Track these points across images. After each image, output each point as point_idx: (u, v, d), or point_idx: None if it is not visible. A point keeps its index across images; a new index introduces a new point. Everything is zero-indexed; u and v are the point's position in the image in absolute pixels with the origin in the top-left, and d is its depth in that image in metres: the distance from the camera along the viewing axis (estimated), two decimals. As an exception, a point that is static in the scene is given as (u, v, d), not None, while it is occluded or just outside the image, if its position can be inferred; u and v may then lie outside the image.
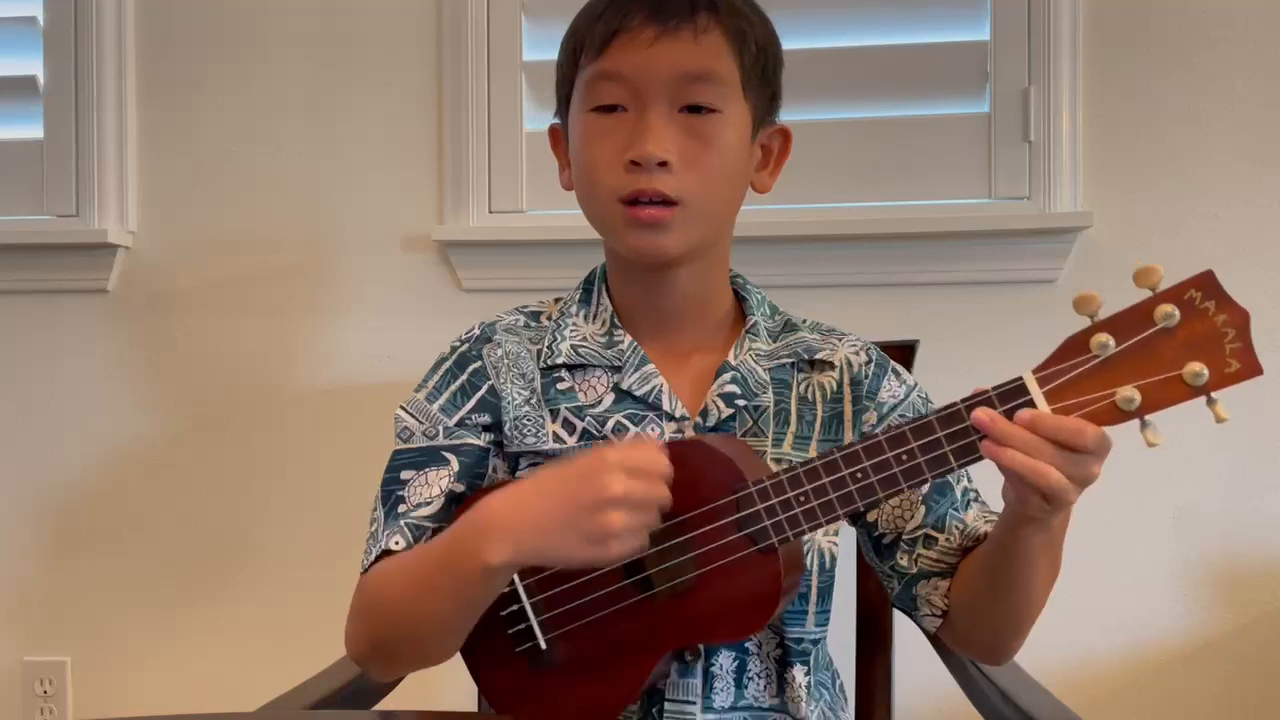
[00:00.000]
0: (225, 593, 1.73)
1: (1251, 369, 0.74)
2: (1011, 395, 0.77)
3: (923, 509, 0.95)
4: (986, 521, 0.95)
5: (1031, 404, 0.76)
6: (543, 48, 1.66)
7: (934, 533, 0.95)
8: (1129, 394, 0.75)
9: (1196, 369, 0.74)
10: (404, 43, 1.69)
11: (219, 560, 1.74)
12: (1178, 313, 0.74)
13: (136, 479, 1.75)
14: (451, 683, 1.53)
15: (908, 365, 1.23)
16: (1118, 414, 0.75)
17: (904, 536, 0.96)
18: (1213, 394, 0.75)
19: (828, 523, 0.83)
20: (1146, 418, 0.76)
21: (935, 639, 1.01)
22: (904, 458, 0.80)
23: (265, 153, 1.72)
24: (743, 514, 0.83)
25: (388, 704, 1.15)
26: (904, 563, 0.96)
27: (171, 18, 1.74)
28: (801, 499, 0.82)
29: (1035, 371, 0.77)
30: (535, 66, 1.66)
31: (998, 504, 0.85)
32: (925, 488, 0.95)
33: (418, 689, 1.22)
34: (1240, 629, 1.55)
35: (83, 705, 1.76)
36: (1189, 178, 1.55)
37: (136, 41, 1.75)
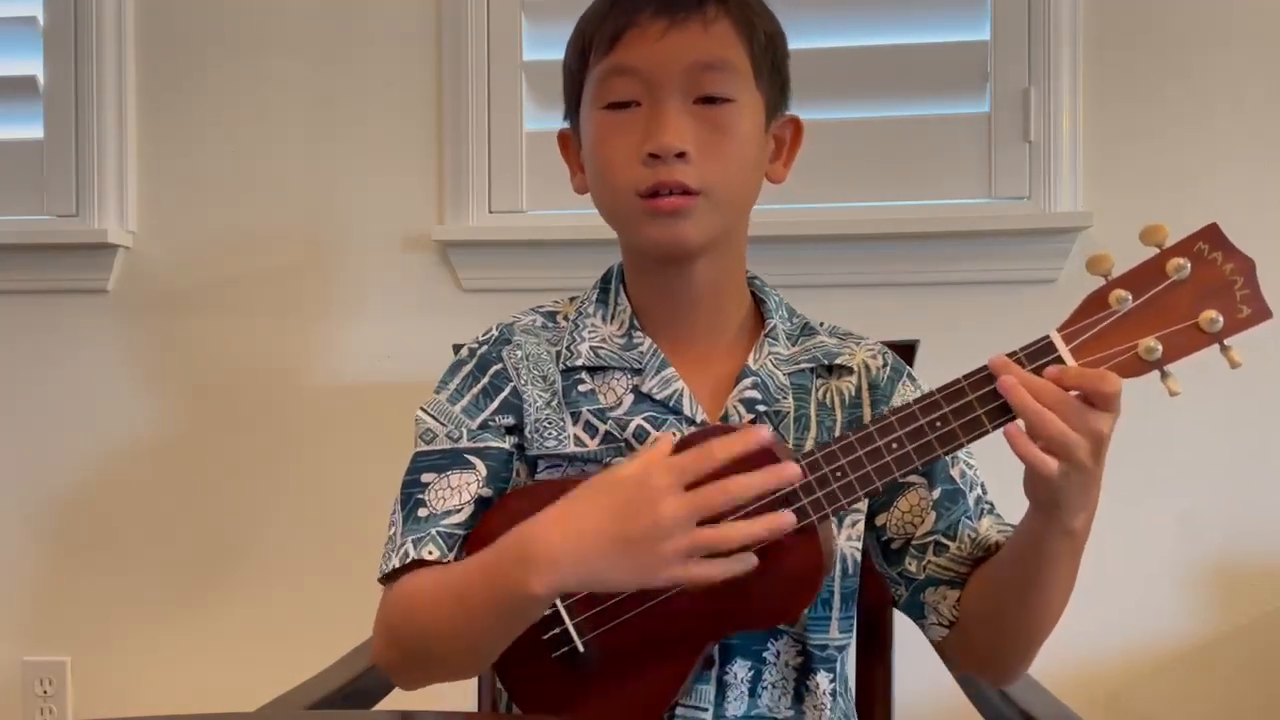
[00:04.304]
0: (225, 592, 1.73)
1: (1261, 313, 0.78)
2: (1040, 354, 0.79)
3: (933, 514, 0.94)
4: (1000, 532, 0.94)
5: (1060, 360, 0.78)
6: (543, 48, 1.66)
7: (945, 540, 0.93)
8: (1151, 344, 0.77)
9: (1211, 315, 0.77)
10: (404, 43, 1.69)
11: (219, 560, 1.74)
12: (1189, 265, 0.78)
13: (136, 479, 1.75)
14: (453, 682, 1.53)
15: (908, 364, 1.23)
16: (1141, 365, 0.78)
17: (914, 542, 0.95)
18: (1225, 341, 0.78)
19: (866, 496, 0.82)
20: (1167, 368, 0.78)
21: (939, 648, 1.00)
22: (938, 424, 0.80)
23: (265, 153, 1.72)
24: (780, 494, 0.82)
25: (388, 704, 1.15)
26: (912, 568, 0.94)
27: (171, 18, 1.74)
28: (838, 474, 0.81)
29: (1060, 329, 0.79)
30: (535, 66, 1.66)
31: (1007, 494, 0.85)
32: (936, 493, 0.94)
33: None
34: (1240, 629, 1.55)
35: (83, 705, 1.76)
36: (1189, 177, 1.55)
37: (136, 41, 1.75)
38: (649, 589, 0.76)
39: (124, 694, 1.74)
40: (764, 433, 0.78)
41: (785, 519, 0.77)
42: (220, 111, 1.73)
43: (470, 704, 1.31)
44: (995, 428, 0.79)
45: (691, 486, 0.76)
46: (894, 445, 0.81)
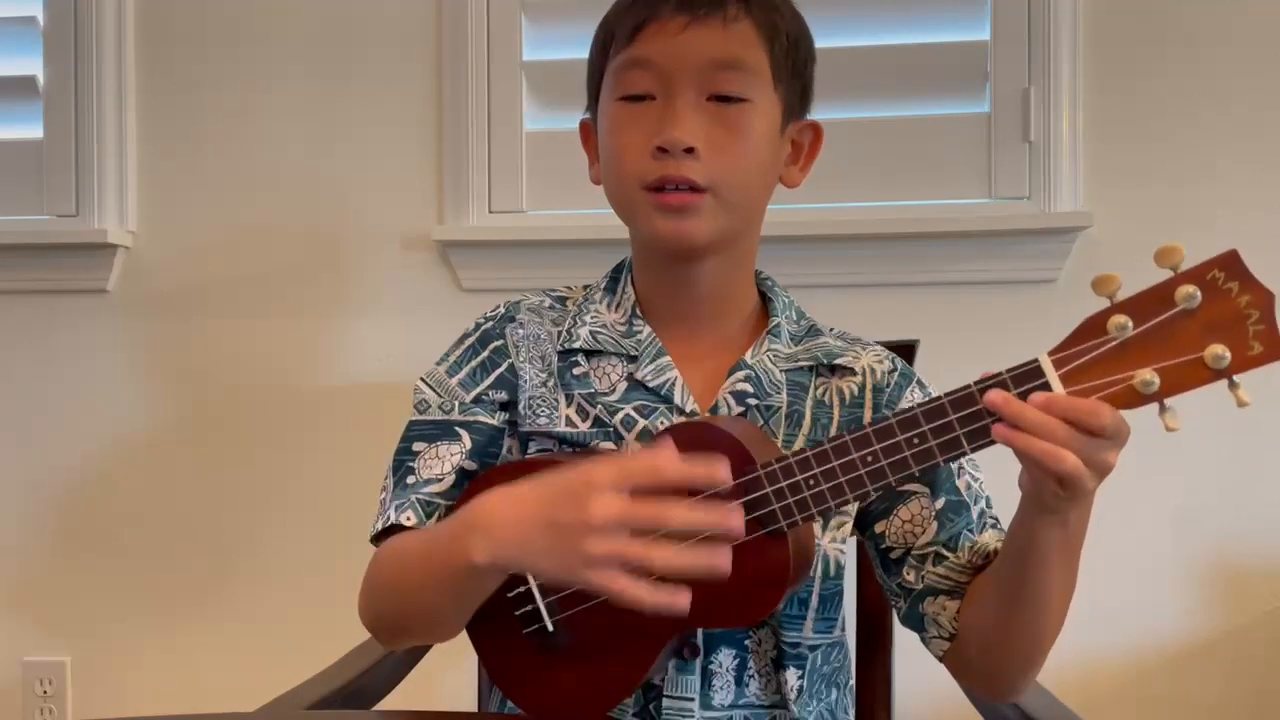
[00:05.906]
0: (224, 593, 1.73)
1: (1276, 351, 0.72)
2: (1026, 377, 0.75)
3: (935, 525, 0.93)
4: (999, 543, 0.93)
5: (1047, 386, 0.74)
6: (543, 48, 1.66)
7: (945, 550, 0.92)
8: (1147, 377, 0.72)
9: (1218, 351, 0.71)
10: (404, 43, 1.69)
11: (218, 560, 1.74)
12: (1199, 294, 0.71)
13: (136, 479, 1.75)
14: (452, 681, 1.54)
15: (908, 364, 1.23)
16: (1136, 397, 0.73)
17: (913, 552, 0.94)
18: (1234, 377, 0.73)
19: (838, 507, 0.82)
20: (1166, 401, 0.74)
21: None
22: (915, 441, 0.78)
23: (265, 153, 1.72)
24: (750, 497, 0.82)
25: (388, 704, 1.15)
26: (910, 578, 0.94)
27: (171, 18, 1.74)
28: (811, 483, 0.81)
29: (1051, 354, 0.75)
30: (535, 66, 1.66)
31: (1013, 503, 0.84)
32: (940, 503, 0.93)
33: (418, 688, 1.22)
34: (1240, 629, 1.56)
35: (83, 705, 1.76)
36: (1189, 177, 1.55)
37: (136, 41, 1.75)
38: (575, 584, 0.75)
39: (124, 694, 1.74)
40: (722, 473, 0.74)
41: (719, 562, 0.72)
42: (220, 111, 1.73)
43: (470, 704, 1.31)
44: (974, 450, 0.77)
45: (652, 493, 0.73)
46: (869, 458, 0.79)
